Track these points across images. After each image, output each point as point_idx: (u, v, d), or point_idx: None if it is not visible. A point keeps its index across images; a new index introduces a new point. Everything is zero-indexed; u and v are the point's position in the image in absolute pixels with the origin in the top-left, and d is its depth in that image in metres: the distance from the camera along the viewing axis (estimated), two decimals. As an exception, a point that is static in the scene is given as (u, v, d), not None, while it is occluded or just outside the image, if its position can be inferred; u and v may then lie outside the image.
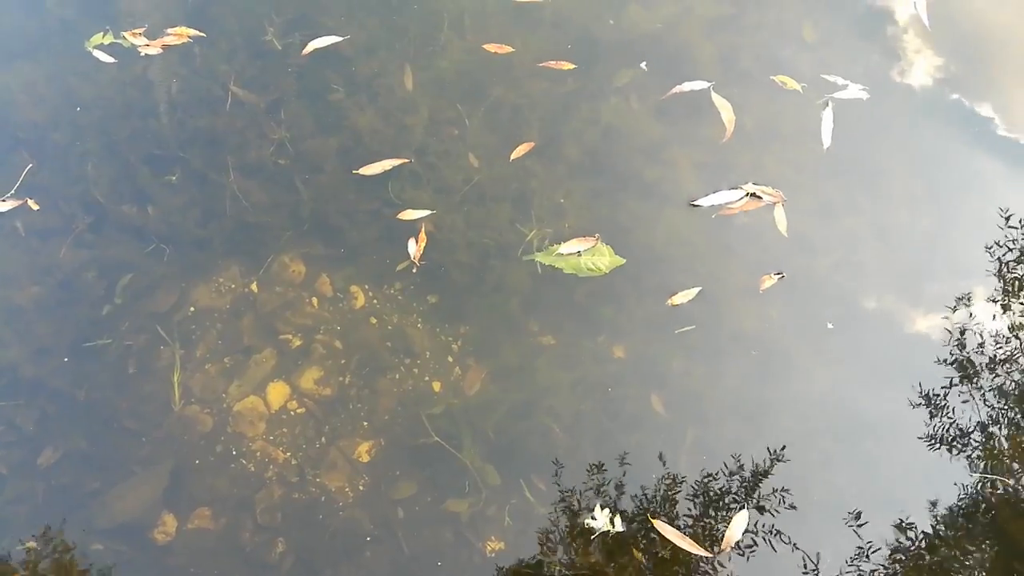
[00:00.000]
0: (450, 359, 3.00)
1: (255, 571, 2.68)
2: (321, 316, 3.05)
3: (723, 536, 2.68)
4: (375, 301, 3.08)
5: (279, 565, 2.70)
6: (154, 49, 3.37)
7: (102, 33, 3.39)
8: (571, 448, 2.85)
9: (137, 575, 2.67)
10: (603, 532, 2.68)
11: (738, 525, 2.68)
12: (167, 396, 2.88)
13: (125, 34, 3.39)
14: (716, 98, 3.37)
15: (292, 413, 2.92)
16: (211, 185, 3.17)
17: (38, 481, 2.75)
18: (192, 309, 3.02)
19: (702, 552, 2.65)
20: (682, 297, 3.03)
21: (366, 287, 3.10)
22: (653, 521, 2.69)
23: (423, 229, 3.10)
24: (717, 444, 2.88)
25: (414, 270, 3.05)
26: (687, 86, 3.39)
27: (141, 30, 3.40)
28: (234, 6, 3.51)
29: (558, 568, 2.68)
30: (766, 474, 2.81)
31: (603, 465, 2.81)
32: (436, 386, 2.96)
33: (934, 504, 2.80)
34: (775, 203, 3.17)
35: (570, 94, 3.42)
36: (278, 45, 3.40)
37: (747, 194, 3.17)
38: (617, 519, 2.70)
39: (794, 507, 2.75)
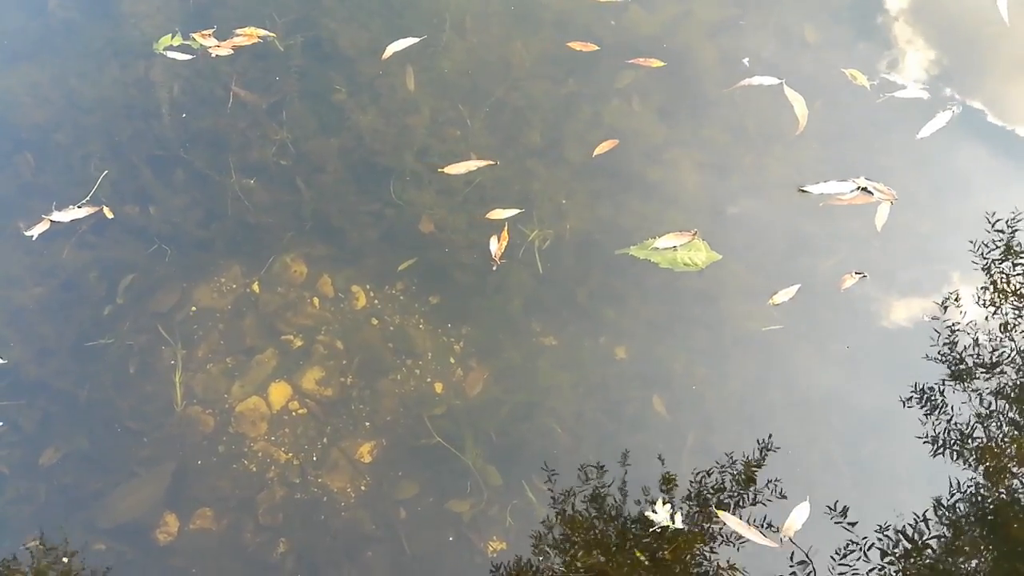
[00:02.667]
0: (452, 360, 3.00)
1: (257, 571, 2.68)
2: (323, 316, 3.05)
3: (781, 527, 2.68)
4: (376, 302, 3.08)
5: (281, 565, 2.70)
6: (225, 50, 3.36)
7: (171, 35, 3.39)
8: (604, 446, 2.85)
9: (139, 575, 2.67)
10: (663, 526, 2.67)
11: (799, 515, 2.67)
12: (169, 396, 2.88)
13: (194, 35, 3.38)
14: (788, 91, 3.37)
15: (294, 413, 2.92)
16: (290, 188, 3.18)
17: (40, 481, 2.75)
18: (194, 309, 3.02)
19: (769, 543, 2.64)
20: (783, 295, 3.00)
21: (367, 287, 3.10)
22: (719, 512, 2.68)
23: (506, 228, 3.10)
24: (789, 437, 2.88)
25: (494, 268, 3.05)
26: (756, 79, 3.40)
27: (210, 31, 3.39)
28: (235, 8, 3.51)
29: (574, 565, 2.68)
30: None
31: (661, 460, 2.82)
32: (438, 387, 2.96)
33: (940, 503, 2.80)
34: (884, 200, 3.12)
35: (661, 90, 3.44)
36: (280, 47, 3.41)
37: (858, 188, 3.14)
38: (678, 515, 2.68)
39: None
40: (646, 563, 2.66)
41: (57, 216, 3.04)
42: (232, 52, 3.37)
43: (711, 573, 2.65)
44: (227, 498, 2.78)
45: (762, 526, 2.69)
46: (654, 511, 2.69)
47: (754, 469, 2.79)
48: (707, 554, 2.67)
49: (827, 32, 3.61)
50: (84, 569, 2.63)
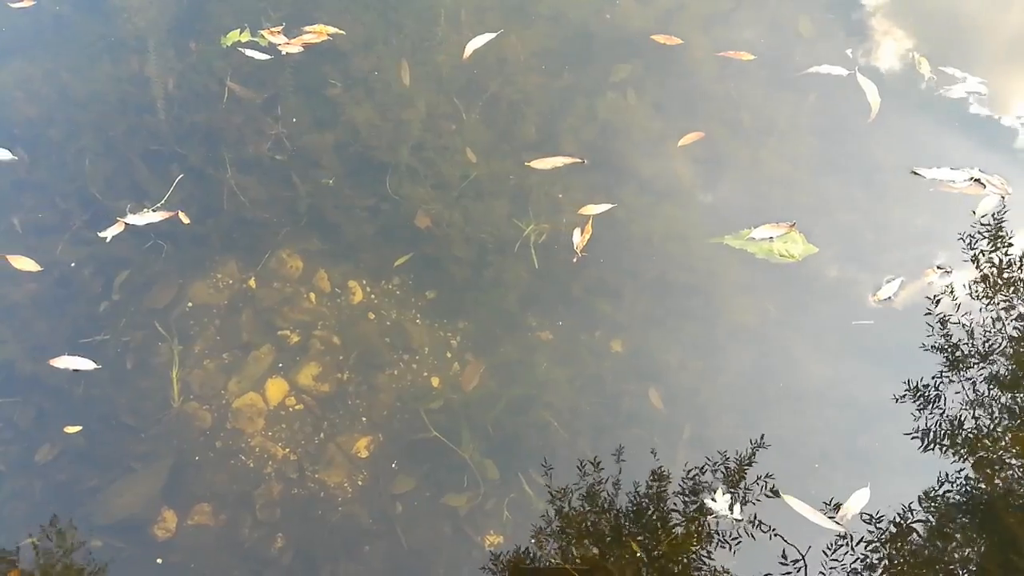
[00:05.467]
0: (447, 355, 3.00)
1: (255, 566, 2.69)
2: (319, 312, 3.05)
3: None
4: (373, 296, 3.08)
5: (279, 560, 2.70)
6: (294, 47, 3.34)
7: (239, 30, 3.37)
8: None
9: (137, 571, 2.67)
10: (722, 516, 2.68)
11: (857, 500, 2.70)
12: (166, 392, 2.87)
13: (263, 32, 3.37)
14: (861, 80, 3.41)
15: (291, 409, 2.92)
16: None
17: (36, 478, 2.74)
18: (190, 305, 3.02)
19: (835, 527, 2.66)
20: (887, 291, 3.01)
21: (364, 282, 3.10)
22: (784, 497, 2.69)
23: (590, 222, 3.11)
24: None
25: (575, 260, 3.05)
26: (824, 68, 3.45)
27: (279, 28, 3.37)
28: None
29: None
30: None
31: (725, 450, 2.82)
32: (435, 381, 2.96)
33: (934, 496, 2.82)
34: (996, 194, 3.12)
35: (747, 82, 3.48)
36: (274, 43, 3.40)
37: (972, 179, 3.14)
38: (737, 506, 2.69)
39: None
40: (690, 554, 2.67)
41: (132, 219, 3.03)
42: (302, 49, 3.36)
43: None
44: (225, 494, 2.78)
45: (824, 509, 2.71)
46: (713, 500, 2.71)
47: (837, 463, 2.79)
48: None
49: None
50: (82, 566, 2.62)
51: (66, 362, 2.84)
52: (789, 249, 3.03)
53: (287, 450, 2.86)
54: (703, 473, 2.76)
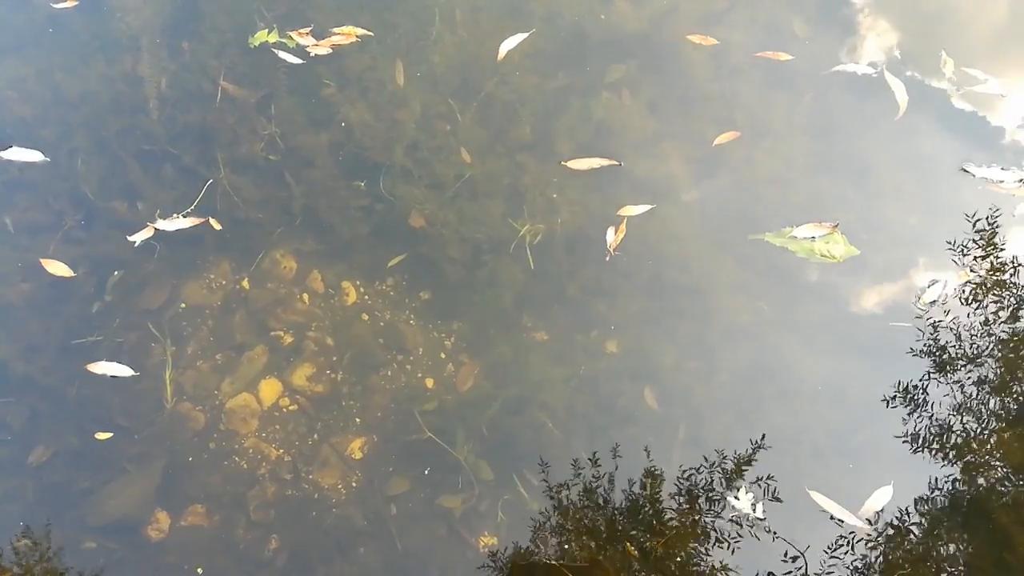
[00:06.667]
0: (442, 356, 3.00)
1: (249, 568, 2.68)
2: (313, 312, 3.04)
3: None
4: (367, 297, 3.07)
5: (273, 562, 2.70)
6: (323, 49, 3.33)
7: (267, 30, 3.35)
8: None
9: (131, 573, 2.66)
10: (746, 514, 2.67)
11: (881, 496, 2.70)
12: (159, 393, 2.87)
13: (291, 33, 3.35)
14: (889, 78, 3.43)
15: (284, 410, 2.92)
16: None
17: (29, 479, 2.74)
18: (183, 306, 3.01)
19: (860, 523, 2.66)
20: (931, 294, 3.00)
21: (358, 283, 3.09)
22: (811, 493, 2.69)
23: (624, 222, 3.12)
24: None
25: (607, 258, 3.06)
26: (850, 66, 3.48)
27: (307, 30, 3.35)
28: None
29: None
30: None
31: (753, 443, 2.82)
32: (429, 382, 2.96)
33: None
34: None
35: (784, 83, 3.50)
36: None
37: (1020, 180, 3.15)
38: (759, 505, 2.68)
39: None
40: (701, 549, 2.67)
41: (161, 224, 3.02)
42: (331, 51, 3.36)
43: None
44: (218, 495, 2.77)
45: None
46: (736, 498, 2.71)
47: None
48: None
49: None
50: (74, 568, 2.62)
51: (104, 368, 2.83)
52: (831, 250, 3.04)
53: (281, 451, 2.85)
54: (719, 469, 2.78)
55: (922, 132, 3.40)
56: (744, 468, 2.76)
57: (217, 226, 3.04)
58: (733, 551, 2.66)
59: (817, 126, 3.45)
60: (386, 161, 3.24)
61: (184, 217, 3.04)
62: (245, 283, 3.06)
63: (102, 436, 2.76)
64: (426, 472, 2.81)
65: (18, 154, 3.14)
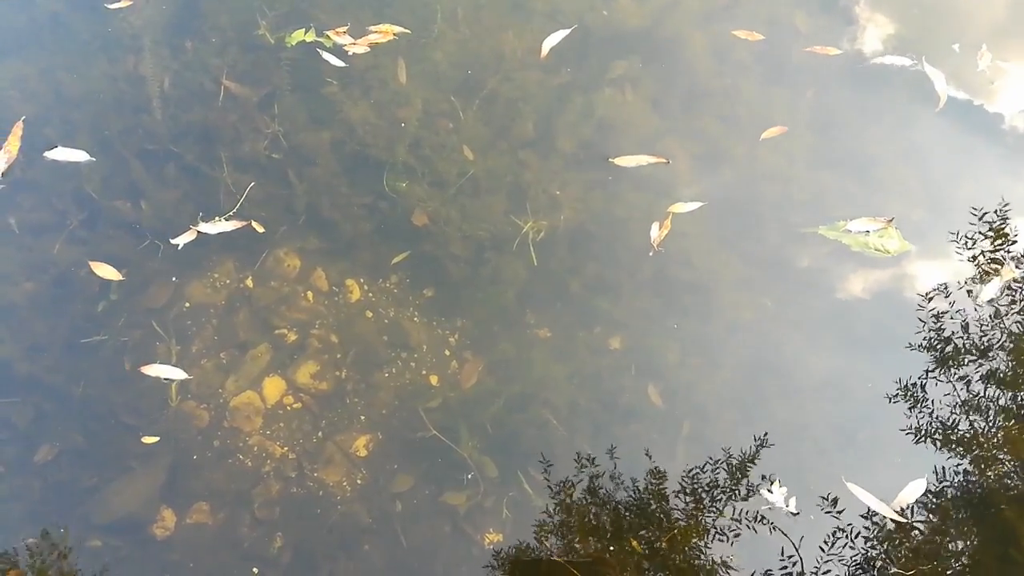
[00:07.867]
0: (446, 353, 3.00)
1: (254, 565, 2.68)
2: (317, 310, 3.04)
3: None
4: (370, 295, 3.08)
5: (278, 559, 2.70)
6: (361, 47, 3.33)
7: (304, 30, 3.35)
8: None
9: (136, 570, 2.67)
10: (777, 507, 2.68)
11: (913, 489, 2.70)
12: (164, 392, 2.87)
13: (328, 33, 3.35)
14: (929, 69, 3.44)
15: (288, 408, 2.92)
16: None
17: (35, 478, 2.74)
18: (187, 304, 3.02)
19: (898, 517, 2.66)
20: (988, 292, 3.01)
21: (361, 281, 3.10)
22: (848, 485, 2.69)
23: (669, 217, 3.13)
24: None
25: (651, 253, 3.07)
26: (888, 59, 3.51)
27: (344, 29, 3.35)
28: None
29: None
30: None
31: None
32: (433, 379, 2.96)
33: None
34: None
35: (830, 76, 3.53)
36: (277, 40, 3.39)
37: None
38: (793, 500, 2.68)
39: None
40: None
41: (204, 227, 3.02)
42: (368, 50, 3.35)
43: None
44: (223, 492, 2.78)
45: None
46: (770, 491, 2.71)
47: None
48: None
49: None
50: (81, 565, 2.62)
51: (157, 370, 2.84)
52: (885, 244, 3.05)
53: (285, 449, 2.86)
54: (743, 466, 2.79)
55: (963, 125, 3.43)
56: (774, 462, 2.77)
57: (260, 229, 3.04)
58: (748, 546, 2.66)
59: (854, 121, 3.47)
60: (388, 159, 3.24)
61: (226, 220, 3.04)
62: (249, 281, 3.07)
63: (148, 440, 2.77)
64: (430, 469, 2.81)
65: (63, 154, 3.13)
